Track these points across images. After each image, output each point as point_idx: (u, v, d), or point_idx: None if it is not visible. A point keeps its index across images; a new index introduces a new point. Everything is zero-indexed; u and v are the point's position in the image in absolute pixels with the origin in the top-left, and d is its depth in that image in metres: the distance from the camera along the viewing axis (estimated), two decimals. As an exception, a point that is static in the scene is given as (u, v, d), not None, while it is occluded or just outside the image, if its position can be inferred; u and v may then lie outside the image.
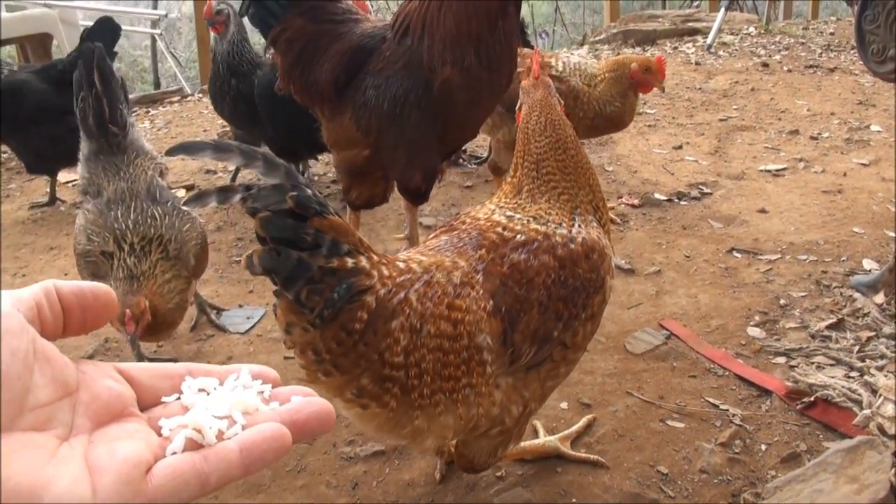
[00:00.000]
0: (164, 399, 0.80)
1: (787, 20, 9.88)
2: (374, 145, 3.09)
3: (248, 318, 3.22)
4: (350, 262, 1.60)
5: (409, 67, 2.98)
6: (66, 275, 3.76)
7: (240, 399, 0.78)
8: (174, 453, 0.72)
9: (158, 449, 0.72)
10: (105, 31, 4.31)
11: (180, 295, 2.61)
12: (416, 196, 3.39)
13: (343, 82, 3.11)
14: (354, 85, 3.08)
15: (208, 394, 0.80)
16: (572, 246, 1.90)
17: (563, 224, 1.95)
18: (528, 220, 1.94)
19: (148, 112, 7.20)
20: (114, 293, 0.81)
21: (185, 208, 2.75)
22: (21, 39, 6.50)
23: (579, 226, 1.96)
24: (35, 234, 4.35)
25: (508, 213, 1.98)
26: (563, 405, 2.56)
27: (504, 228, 1.92)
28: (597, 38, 9.12)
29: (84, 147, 2.83)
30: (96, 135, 2.77)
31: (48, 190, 4.79)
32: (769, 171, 4.50)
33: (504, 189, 2.08)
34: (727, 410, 2.51)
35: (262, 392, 0.80)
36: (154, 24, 9.56)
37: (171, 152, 1.24)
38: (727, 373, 2.69)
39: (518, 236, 1.89)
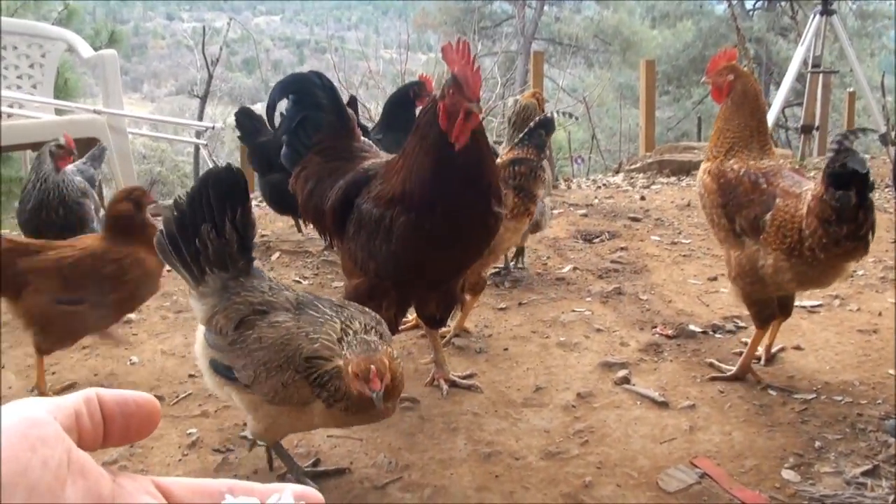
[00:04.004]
0: None
1: (821, 156, 9.96)
2: (364, 275, 3.25)
3: (276, 432, 3.20)
4: None
5: (378, 202, 3.14)
6: (95, 375, 3.78)
7: None
8: None
9: None
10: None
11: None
12: (433, 321, 3.48)
13: (340, 215, 3.30)
14: (348, 217, 3.26)
15: None
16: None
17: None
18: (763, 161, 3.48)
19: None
20: (158, 404, 0.78)
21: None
22: (67, 143, 6.70)
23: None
24: (69, 334, 4.39)
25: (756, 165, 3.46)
26: (593, 541, 2.51)
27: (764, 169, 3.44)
28: (632, 167, 9.24)
29: (213, 280, 2.66)
30: (234, 263, 2.66)
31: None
32: (805, 307, 4.48)
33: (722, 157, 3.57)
34: (761, 556, 2.45)
35: None
36: (199, 134, 9.79)
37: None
38: (761, 516, 2.64)
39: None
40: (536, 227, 4.80)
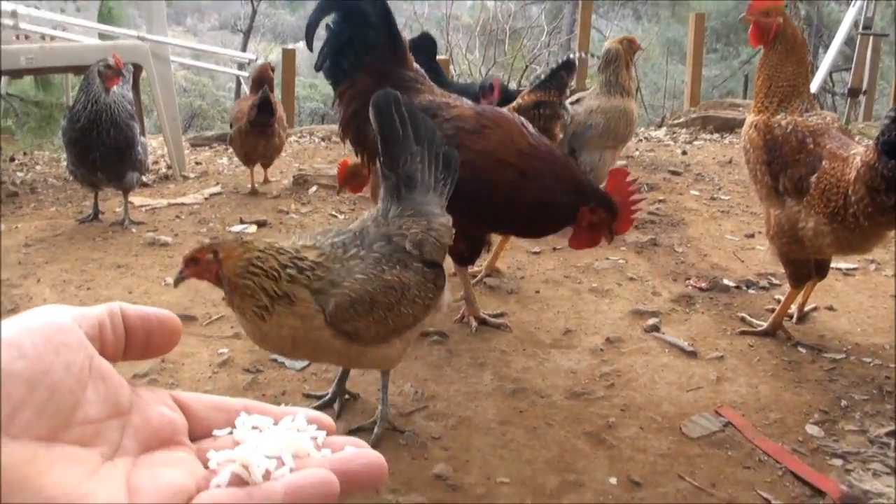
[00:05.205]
0: (215, 432, 0.79)
1: (866, 122, 9.80)
2: None
3: (306, 357, 3.24)
4: None
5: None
6: (129, 293, 3.84)
7: (292, 441, 0.76)
8: (218, 486, 0.70)
9: (202, 480, 0.71)
10: (427, 44, 5.69)
11: (263, 292, 2.22)
12: (460, 258, 3.49)
13: None
14: None
15: (261, 432, 0.78)
16: None
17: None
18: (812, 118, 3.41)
19: (227, 150, 7.36)
20: (179, 322, 0.82)
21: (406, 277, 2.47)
22: (110, 67, 6.70)
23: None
24: (104, 251, 4.47)
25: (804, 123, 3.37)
26: (613, 480, 2.53)
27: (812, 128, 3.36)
28: (675, 122, 9.14)
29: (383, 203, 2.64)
30: (384, 175, 2.64)
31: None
32: (840, 269, 4.44)
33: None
34: (779, 506, 2.46)
35: (316, 438, 0.78)
36: (241, 67, 9.77)
37: None
38: (782, 468, 2.64)
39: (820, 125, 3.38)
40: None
